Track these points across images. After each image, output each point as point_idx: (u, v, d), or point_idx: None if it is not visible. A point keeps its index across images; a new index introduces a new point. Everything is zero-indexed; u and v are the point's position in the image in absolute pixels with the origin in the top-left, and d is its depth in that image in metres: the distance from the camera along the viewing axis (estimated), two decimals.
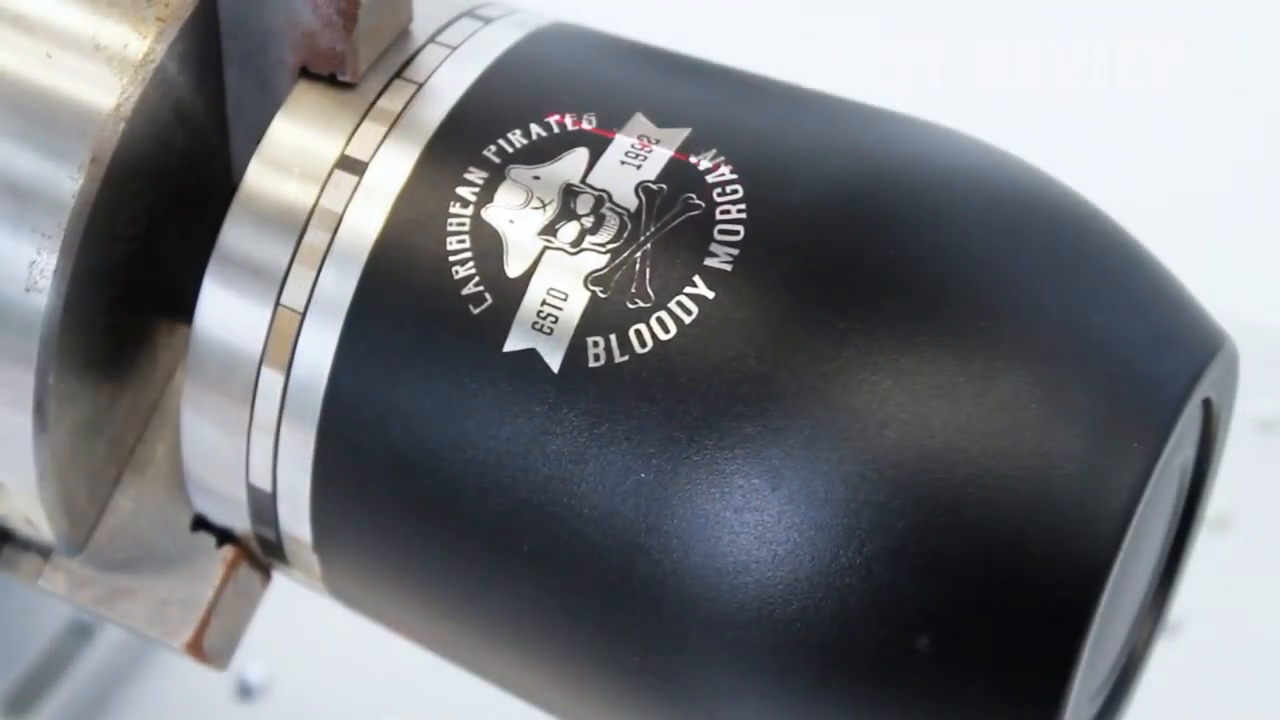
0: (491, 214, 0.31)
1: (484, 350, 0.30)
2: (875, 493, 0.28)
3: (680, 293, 0.29)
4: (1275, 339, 0.54)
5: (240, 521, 0.34)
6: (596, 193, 0.31)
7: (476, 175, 0.31)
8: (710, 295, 0.29)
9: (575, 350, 0.30)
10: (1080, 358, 0.29)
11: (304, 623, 0.44)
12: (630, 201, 0.30)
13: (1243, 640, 0.53)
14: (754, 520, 0.28)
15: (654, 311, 0.29)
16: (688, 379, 0.29)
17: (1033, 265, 0.29)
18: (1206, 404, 0.31)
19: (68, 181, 0.31)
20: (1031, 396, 0.28)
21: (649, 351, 0.29)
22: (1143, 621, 0.34)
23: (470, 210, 0.31)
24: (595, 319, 0.30)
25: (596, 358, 0.30)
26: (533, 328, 0.30)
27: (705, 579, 0.29)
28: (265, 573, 0.35)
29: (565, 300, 0.30)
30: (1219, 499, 0.35)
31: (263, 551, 0.35)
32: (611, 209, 0.30)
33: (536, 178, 0.31)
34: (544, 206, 0.31)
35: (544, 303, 0.30)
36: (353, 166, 0.32)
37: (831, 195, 0.30)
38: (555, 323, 0.30)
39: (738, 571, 0.29)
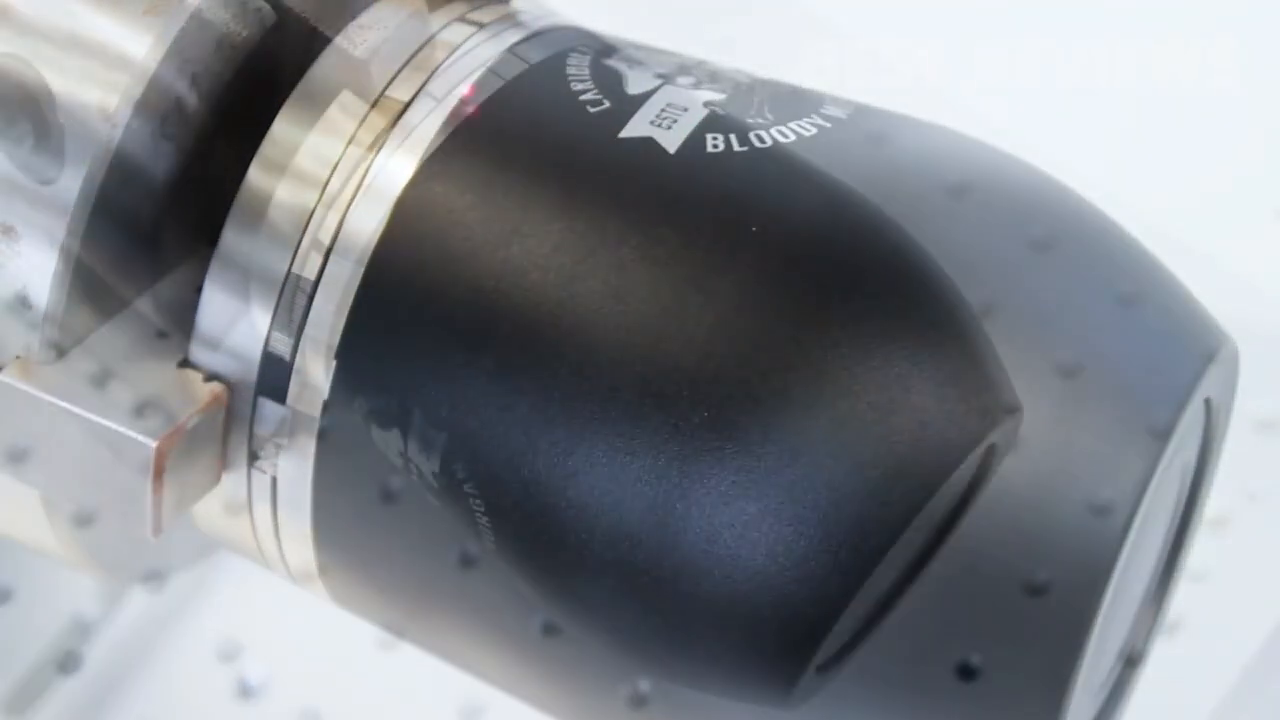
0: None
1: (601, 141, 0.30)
2: (852, 558, 0.28)
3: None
4: (1275, 339, 0.54)
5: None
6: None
7: None
8: None
9: (694, 139, 0.30)
10: (1079, 359, 0.29)
11: (304, 623, 0.44)
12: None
13: (1243, 640, 0.53)
14: (731, 579, 0.28)
15: (773, 124, 0.30)
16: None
17: (1029, 267, 0.29)
18: (1207, 404, 0.31)
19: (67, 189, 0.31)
20: (1026, 406, 0.28)
21: (770, 147, 0.30)
22: (1143, 621, 0.34)
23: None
24: (715, 121, 0.30)
25: (715, 145, 0.30)
26: (651, 124, 0.30)
27: (687, 640, 0.29)
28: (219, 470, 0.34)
29: (684, 111, 0.30)
30: (1219, 499, 0.35)
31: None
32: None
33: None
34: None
35: (663, 111, 0.30)
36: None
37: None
38: (674, 123, 0.30)
39: (714, 663, 0.29)
